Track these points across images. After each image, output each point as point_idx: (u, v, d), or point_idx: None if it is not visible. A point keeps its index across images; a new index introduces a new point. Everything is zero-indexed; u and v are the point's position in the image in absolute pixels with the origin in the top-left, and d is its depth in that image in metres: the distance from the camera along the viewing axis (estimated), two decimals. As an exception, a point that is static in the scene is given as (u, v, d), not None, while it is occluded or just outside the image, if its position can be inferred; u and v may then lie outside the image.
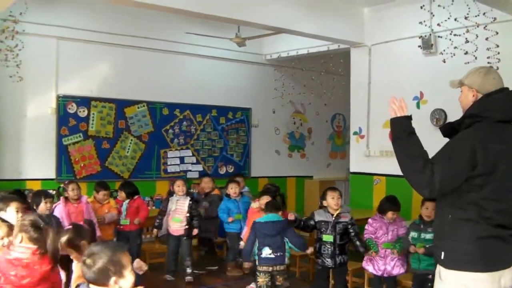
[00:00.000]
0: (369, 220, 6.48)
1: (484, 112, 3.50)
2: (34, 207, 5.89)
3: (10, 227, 4.39)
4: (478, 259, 3.39)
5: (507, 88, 3.62)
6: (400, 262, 6.27)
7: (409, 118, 3.64)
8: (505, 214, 3.41)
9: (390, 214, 6.27)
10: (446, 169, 3.38)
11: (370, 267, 6.36)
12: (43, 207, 5.95)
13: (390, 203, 6.37)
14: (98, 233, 7.12)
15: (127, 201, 7.87)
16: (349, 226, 6.37)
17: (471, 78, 3.66)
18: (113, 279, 3.02)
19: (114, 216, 7.69)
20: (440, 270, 3.56)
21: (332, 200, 6.36)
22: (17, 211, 5.03)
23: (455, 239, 3.46)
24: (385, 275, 6.28)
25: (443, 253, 3.51)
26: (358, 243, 6.33)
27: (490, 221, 3.39)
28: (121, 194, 7.96)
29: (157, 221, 8.04)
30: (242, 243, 7.35)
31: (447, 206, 3.53)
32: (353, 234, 6.36)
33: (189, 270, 7.97)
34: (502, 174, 3.39)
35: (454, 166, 3.40)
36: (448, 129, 3.72)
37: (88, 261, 3.03)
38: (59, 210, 6.84)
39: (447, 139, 3.67)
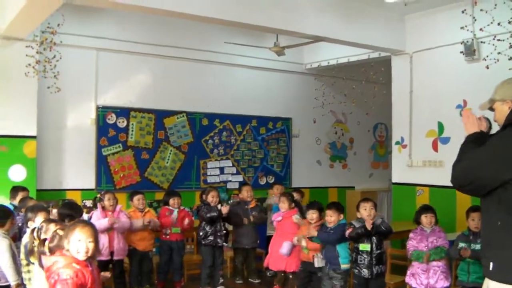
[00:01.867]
0: (410, 234, 6.38)
1: None
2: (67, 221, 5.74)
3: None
4: None
5: None
6: (444, 275, 6.06)
7: (477, 133, 3.60)
8: None
9: (423, 218, 6.20)
10: (471, 160, 3.36)
11: (413, 281, 6.19)
12: None
13: (422, 208, 6.39)
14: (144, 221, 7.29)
15: (177, 209, 7.87)
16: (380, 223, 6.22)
17: (502, 92, 3.54)
18: None
19: (158, 223, 7.72)
20: (488, 284, 3.34)
21: (365, 212, 6.26)
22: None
23: (506, 247, 3.23)
24: (444, 285, 6.07)
25: (491, 263, 3.28)
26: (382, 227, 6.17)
27: None
28: (178, 201, 7.94)
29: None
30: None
31: (496, 212, 3.32)
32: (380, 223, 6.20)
33: (221, 280, 7.95)
34: None
35: (481, 161, 3.31)
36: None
37: None
38: (97, 216, 7.07)
39: None
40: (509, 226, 3.24)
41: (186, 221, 7.85)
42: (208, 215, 7.75)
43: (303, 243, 6.96)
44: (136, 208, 7.63)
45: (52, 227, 4.38)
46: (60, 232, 3.92)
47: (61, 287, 3.57)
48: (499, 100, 3.52)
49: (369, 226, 6.08)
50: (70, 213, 5.79)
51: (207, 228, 7.81)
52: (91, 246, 3.79)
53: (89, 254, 3.79)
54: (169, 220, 7.78)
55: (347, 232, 6.20)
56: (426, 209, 6.37)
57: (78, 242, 3.75)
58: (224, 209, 7.90)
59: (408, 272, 6.30)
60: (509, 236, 3.24)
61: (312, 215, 7.01)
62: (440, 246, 6.10)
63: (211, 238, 7.80)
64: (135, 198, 7.66)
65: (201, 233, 7.86)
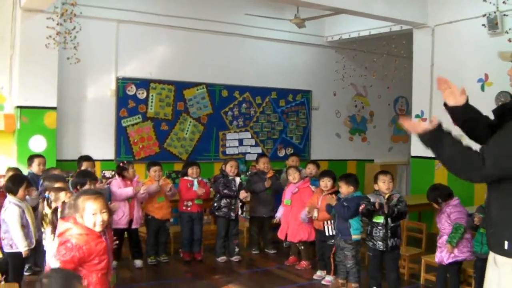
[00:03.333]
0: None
1: None
2: (78, 187, 5.79)
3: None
4: None
5: None
6: (466, 249, 5.93)
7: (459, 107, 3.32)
8: None
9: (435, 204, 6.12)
10: (499, 151, 3.04)
11: (439, 256, 6.07)
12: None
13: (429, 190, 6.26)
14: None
15: (196, 180, 7.86)
16: (397, 203, 6.08)
17: None
18: None
19: (176, 192, 7.80)
20: (497, 261, 3.28)
21: (383, 184, 6.15)
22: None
23: None
24: (450, 260, 5.99)
25: (506, 242, 3.18)
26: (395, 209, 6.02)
27: None
28: (196, 170, 7.89)
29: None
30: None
31: None
32: (395, 205, 6.07)
33: (237, 250, 8.01)
34: None
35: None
36: (500, 111, 3.40)
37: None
38: (118, 185, 7.28)
39: None
40: None
41: (201, 191, 7.80)
42: (226, 191, 7.83)
43: (315, 213, 6.99)
44: (152, 178, 7.68)
45: (62, 195, 4.44)
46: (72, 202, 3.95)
47: (62, 248, 3.59)
48: None
49: (386, 209, 6.00)
50: (83, 181, 5.86)
51: (221, 202, 7.88)
52: (105, 217, 3.78)
53: (105, 225, 3.80)
54: (193, 193, 7.76)
55: (360, 208, 6.16)
56: (430, 190, 6.25)
57: (93, 216, 3.73)
58: (243, 194, 8.03)
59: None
60: None
61: (327, 182, 7.05)
62: (457, 222, 5.97)
63: (224, 210, 7.86)
64: (152, 169, 7.71)
65: (215, 204, 7.92)
